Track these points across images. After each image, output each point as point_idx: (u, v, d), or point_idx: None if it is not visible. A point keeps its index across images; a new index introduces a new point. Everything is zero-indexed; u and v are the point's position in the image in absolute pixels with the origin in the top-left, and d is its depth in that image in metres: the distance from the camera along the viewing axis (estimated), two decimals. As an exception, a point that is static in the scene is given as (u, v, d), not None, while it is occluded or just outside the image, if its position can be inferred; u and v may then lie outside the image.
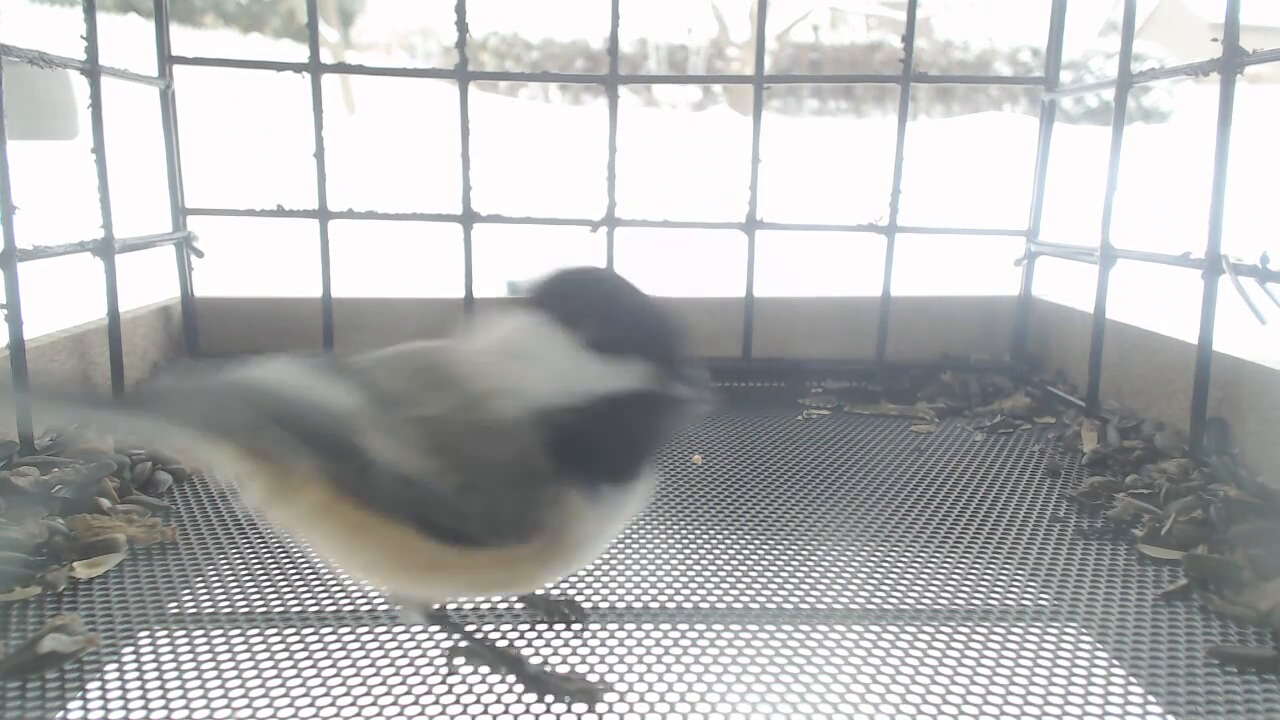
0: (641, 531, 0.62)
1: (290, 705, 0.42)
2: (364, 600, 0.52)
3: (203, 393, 0.44)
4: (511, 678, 0.44)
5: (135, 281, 0.90)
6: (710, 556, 0.58)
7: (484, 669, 0.45)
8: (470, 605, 0.51)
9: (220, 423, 0.42)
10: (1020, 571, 0.57)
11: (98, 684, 0.43)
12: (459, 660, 0.45)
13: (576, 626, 0.49)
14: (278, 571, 0.55)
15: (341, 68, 0.99)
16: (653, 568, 0.57)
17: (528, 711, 0.42)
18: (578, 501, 0.40)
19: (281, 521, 0.43)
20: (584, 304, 0.41)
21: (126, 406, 0.47)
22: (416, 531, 0.40)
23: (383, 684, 0.44)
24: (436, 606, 0.46)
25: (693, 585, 0.54)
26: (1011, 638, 0.49)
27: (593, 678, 0.45)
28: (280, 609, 0.51)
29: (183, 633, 0.48)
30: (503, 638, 0.48)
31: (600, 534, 0.42)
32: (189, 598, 0.52)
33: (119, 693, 0.43)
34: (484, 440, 0.40)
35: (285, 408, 0.41)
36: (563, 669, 0.46)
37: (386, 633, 0.49)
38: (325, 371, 0.43)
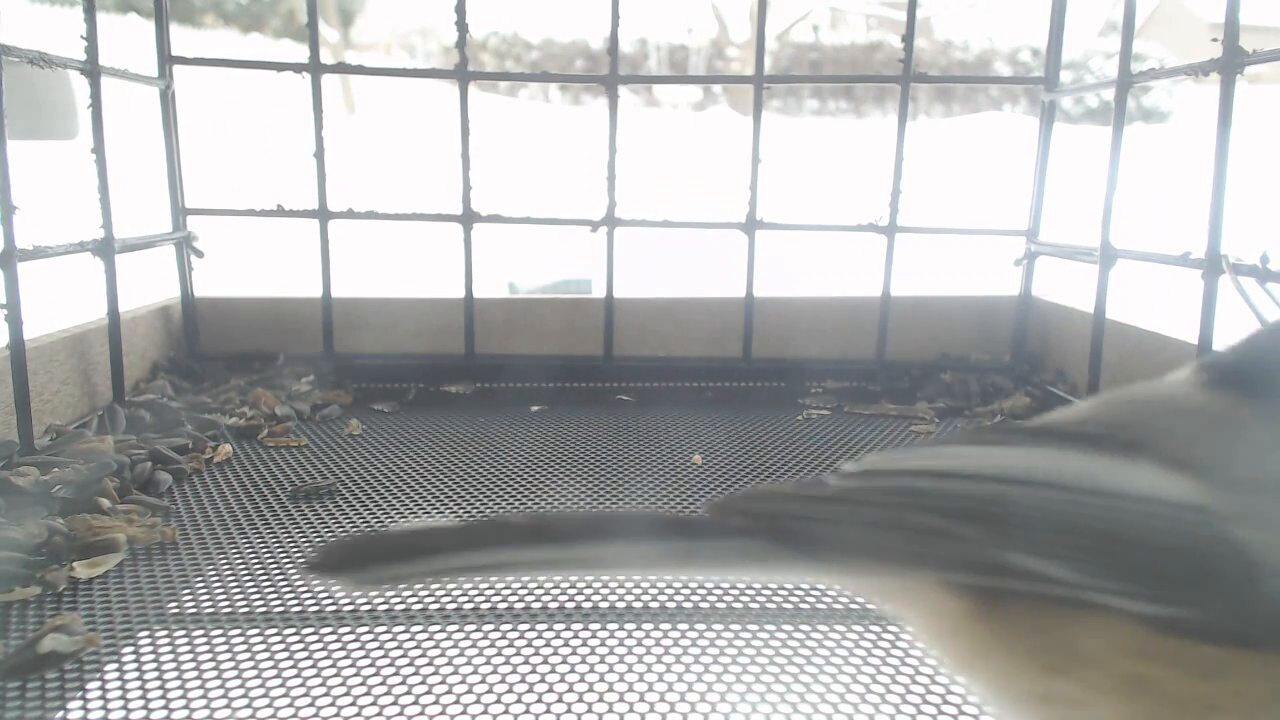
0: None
1: (290, 705, 0.42)
2: (363, 600, 0.52)
3: (853, 505, 0.28)
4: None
5: (135, 281, 0.90)
6: (710, 556, 0.58)
7: None
8: (469, 606, 0.51)
9: (901, 551, 0.27)
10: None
11: (98, 684, 0.43)
12: None
13: (576, 626, 0.49)
14: (278, 571, 0.55)
15: (341, 68, 0.99)
16: (653, 568, 0.57)
17: (527, 712, 0.42)
18: None
19: (1032, 690, 0.28)
20: None
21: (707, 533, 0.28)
22: None
23: (382, 684, 0.44)
24: None
25: (692, 585, 0.54)
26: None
27: (593, 678, 0.45)
28: (280, 609, 0.51)
29: (183, 633, 0.48)
30: (502, 637, 0.48)
31: None
32: (189, 598, 0.52)
33: (119, 693, 0.42)
34: None
35: (1048, 511, 0.26)
36: (563, 669, 0.46)
37: (386, 632, 0.49)
38: (1067, 449, 0.29)
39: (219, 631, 0.48)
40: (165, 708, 0.42)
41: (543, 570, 0.29)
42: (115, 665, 0.45)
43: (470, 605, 0.51)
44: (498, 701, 0.43)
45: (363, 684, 0.44)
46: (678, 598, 0.53)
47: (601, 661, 0.46)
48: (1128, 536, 0.26)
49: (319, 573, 0.27)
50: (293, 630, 0.48)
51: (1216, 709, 0.25)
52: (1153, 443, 0.28)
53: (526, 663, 0.46)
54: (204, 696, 0.42)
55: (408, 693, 0.43)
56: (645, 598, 0.53)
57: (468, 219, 0.96)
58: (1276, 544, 0.25)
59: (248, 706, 0.42)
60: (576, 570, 0.28)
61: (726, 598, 0.53)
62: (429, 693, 0.43)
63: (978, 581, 0.27)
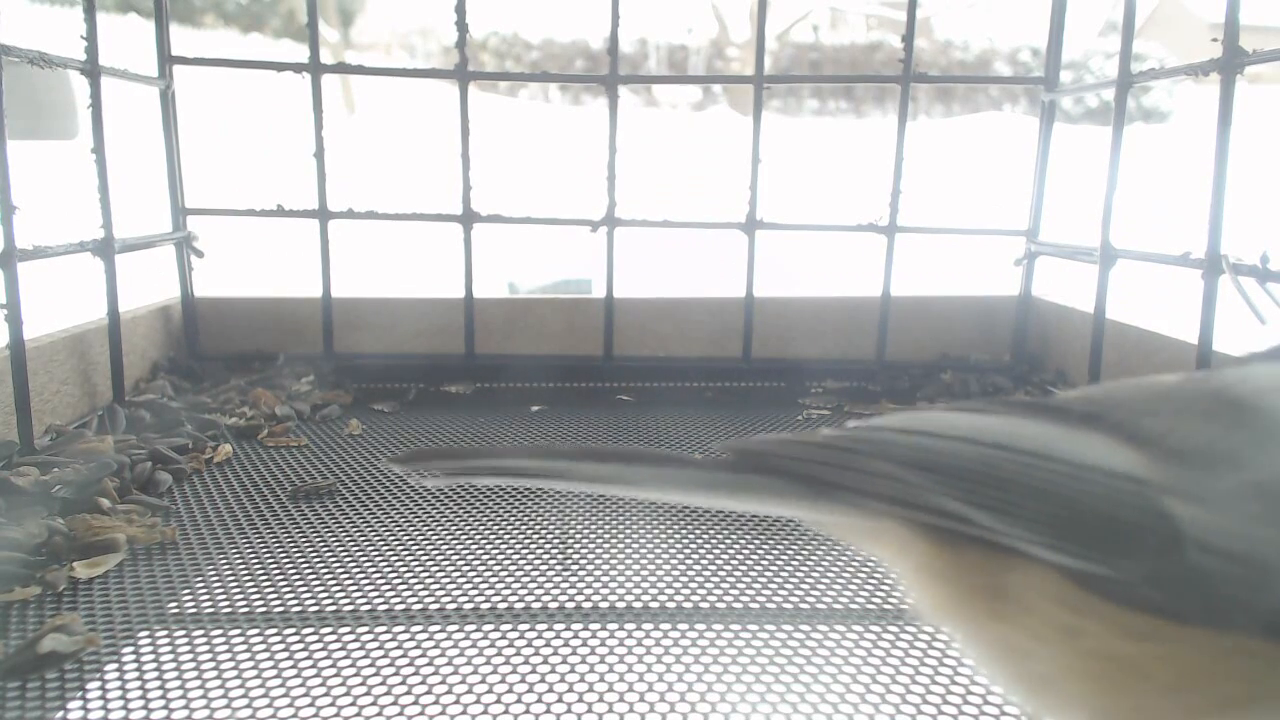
0: (641, 531, 0.62)
1: (290, 705, 0.42)
2: (364, 600, 0.52)
3: (833, 451, 0.32)
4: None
5: (135, 281, 0.90)
6: (710, 556, 0.58)
7: None
8: (469, 606, 0.51)
9: (862, 491, 0.31)
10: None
11: (98, 684, 0.43)
12: None
13: (577, 626, 0.49)
14: (278, 571, 0.55)
15: (341, 68, 1.00)
16: (653, 568, 0.57)
17: (528, 712, 0.42)
18: None
19: (979, 634, 0.31)
20: None
21: (709, 469, 0.34)
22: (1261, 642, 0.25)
23: (383, 684, 0.44)
24: None
25: (693, 585, 0.54)
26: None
27: (593, 678, 0.45)
28: (280, 609, 0.51)
29: (183, 633, 0.48)
30: (502, 637, 0.48)
31: None
32: (189, 598, 0.52)
33: (119, 693, 0.42)
34: None
35: (1005, 466, 0.30)
36: (563, 669, 0.46)
37: (386, 632, 0.49)
38: (1028, 417, 0.32)
39: (219, 631, 0.48)
40: (165, 708, 0.42)
41: (586, 483, 0.35)
42: (115, 665, 0.45)
43: (470, 605, 0.52)
44: (498, 701, 0.43)
45: (363, 684, 0.44)
46: (677, 598, 0.53)
47: (601, 661, 0.46)
48: (1054, 494, 0.28)
49: (400, 465, 0.35)
50: (293, 630, 0.48)
51: (1145, 676, 0.27)
52: (1108, 415, 0.31)
53: (526, 663, 0.46)
54: (204, 696, 0.42)
55: (408, 693, 0.43)
56: (645, 598, 0.53)
57: (468, 219, 0.96)
58: (1206, 520, 0.26)
59: (248, 706, 0.42)
60: (615, 488, 0.35)
61: (726, 598, 0.53)
62: (429, 693, 0.43)
63: (918, 519, 0.31)
